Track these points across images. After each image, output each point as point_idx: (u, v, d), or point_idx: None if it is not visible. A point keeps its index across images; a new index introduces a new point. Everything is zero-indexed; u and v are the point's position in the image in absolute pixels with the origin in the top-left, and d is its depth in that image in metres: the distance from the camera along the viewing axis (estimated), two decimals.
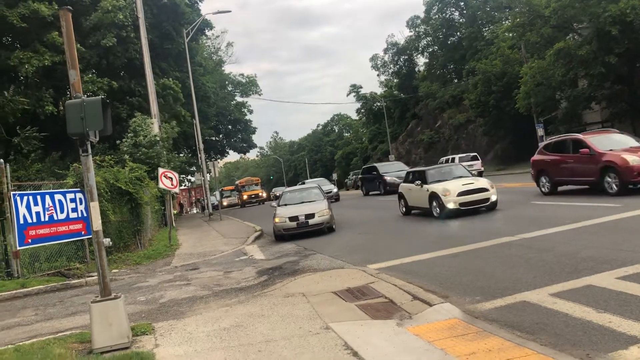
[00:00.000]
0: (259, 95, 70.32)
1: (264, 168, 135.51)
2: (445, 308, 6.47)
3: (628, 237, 9.04)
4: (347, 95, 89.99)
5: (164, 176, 17.90)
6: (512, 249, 9.63)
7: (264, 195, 55.05)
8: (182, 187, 67.48)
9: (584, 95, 38.23)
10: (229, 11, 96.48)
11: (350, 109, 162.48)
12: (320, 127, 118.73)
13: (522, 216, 13.72)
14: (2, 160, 12.35)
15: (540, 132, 41.85)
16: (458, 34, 65.11)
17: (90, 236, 11.61)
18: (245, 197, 53.01)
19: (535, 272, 7.70)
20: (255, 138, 68.22)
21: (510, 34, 45.99)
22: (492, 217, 14.52)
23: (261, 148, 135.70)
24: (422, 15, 68.71)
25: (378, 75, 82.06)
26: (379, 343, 5.57)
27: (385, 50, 77.56)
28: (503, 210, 15.41)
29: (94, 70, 29.70)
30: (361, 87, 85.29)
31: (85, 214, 13.46)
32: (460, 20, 65.41)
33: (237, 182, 59.27)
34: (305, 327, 6.41)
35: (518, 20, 40.45)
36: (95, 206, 6.62)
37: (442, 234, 12.77)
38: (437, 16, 66.56)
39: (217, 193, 55.81)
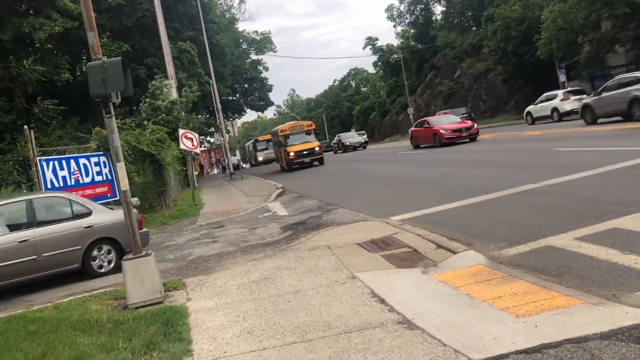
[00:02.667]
0: (274, 52, 69.76)
1: None
2: (469, 255, 6.54)
3: None
4: (363, 48, 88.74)
5: (185, 137, 18.04)
6: (535, 195, 9.60)
7: (321, 151, 32.02)
8: (202, 148, 67.65)
9: (607, 38, 37.09)
10: None
11: (367, 62, 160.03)
12: (337, 82, 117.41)
13: (544, 163, 13.60)
14: (26, 126, 12.54)
15: (562, 78, 40.95)
16: None
17: (117, 198, 11.86)
18: (292, 154, 30.29)
19: (559, 217, 7.69)
20: (272, 96, 67.73)
21: None
22: (513, 166, 14.42)
23: (278, 106, 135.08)
24: None
25: (394, 26, 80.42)
26: (405, 290, 5.69)
27: (401, 0, 75.68)
28: (525, 158, 15.28)
29: (108, 33, 29.66)
30: (377, 40, 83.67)
31: (110, 177, 13.70)
32: None
33: (276, 129, 34.84)
34: (332, 278, 6.55)
35: None
36: (122, 166, 6.75)
37: (464, 184, 12.74)
38: None
39: (237, 152, 53.63)
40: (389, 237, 8.32)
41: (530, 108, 33.54)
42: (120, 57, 6.69)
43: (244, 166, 71.25)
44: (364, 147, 47.43)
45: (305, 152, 30.21)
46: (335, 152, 49.78)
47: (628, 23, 35.02)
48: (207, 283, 7.37)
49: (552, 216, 7.86)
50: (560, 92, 31.55)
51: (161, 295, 6.74)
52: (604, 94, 20.70)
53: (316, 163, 30.82)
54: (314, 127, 32.59)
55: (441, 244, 7.31)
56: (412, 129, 30.89)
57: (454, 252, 6.79)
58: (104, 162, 13.87)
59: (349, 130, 74.23)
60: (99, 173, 13.77)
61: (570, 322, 4.21)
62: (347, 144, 48.38)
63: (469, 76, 61.52)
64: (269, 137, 49.93)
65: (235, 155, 50.04)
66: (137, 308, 6.48)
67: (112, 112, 6.70)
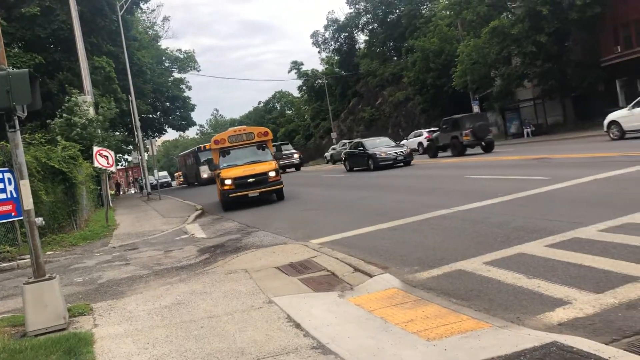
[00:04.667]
0: (198, 71, 68.80)
1: None
2: (385, 278, 6.64)
3: (554, 208, 9.53)
4: (289, 72, 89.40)
5: (100, 154, 17.32)
6: (448, 220, 9.96)
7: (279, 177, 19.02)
8: (119, 167, 65.17)
9: (517, 73, 39.60)
10: None
11: (292, 86, 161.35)
12: (262, 104, 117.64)
13: (457, 190, 14.18)
14: None
15: (476, 109, 43.11)
16: (397, 11, 65.74)
17: (21, 217, 11.14)
18: (228, 182, 18.14)
19: (470, 242, 8.01)
20: (194, 115, 66.55)
21: (448, 12, 46.89)
22: (429, 192, 14.92)
23: (201, 126, 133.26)
24: None
25: (319, 52, 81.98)
26: (320, 314, 5.67)
27: (326, 27, 77.44)
28: (439, 184, 15.85)
29: (20, 44, 28.19)
30: (302, 64, 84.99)
31: (15, 195, 12.84)
32: None
33: (214, 140, 20.08)
34: (248, 302, 6.43)
35: None
36: (25, 184, 6.35)
37: (383, 208, 13.03)
38: None
39: (156, 172, 51.47)
40: (308, 261, 8.31)
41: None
42: (27, 69, 6.34)
43: (173, 184, 68.85)
44: (298, 169, 43.79)
45: (251, 180, 17.86)
46: None
47: (535, 60, 37.63)
48: (116, 308, 7.02)
49: (464, 241, 8.17)
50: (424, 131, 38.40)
51: (65, 321, 6.34)
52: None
53: (273, 197, 18.93)
54: (270, 136, 19.94)
55: (358, 267, 7.38)
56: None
57: (371, 276, 6.87)
58: (8, 178, 13.00)
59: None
60: (3, 190, 12.88)
61: (477, 345, 4.34)
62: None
63: (390, 104, 63.54)
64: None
65: (153, 174, 48.44)
66: (37, 335, 6.04)
67: (17, 126, 6.31)
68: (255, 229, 12.89)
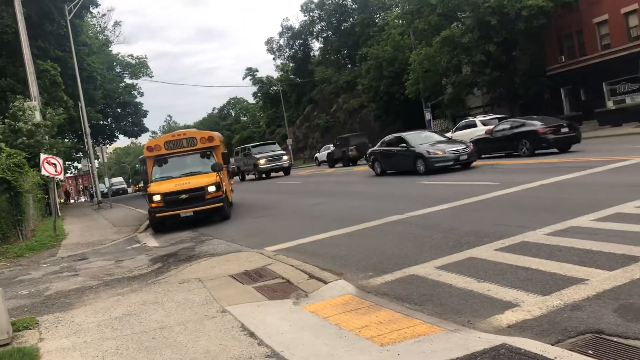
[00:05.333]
0: (150, 77, 67.60)
1: None
2: (339, 285, 6.67)
3: (503, 212, 9.80)
4: (243, 78, 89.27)
5: (47, 162, 16.74)
6: (401, 226, 10.10)
7: (222, 192, 15.22)
8: (68, 175, 63.17)
9: (467, 81, 40.64)
10: None
11: (247, 92, 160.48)
12: (216, 110, 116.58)
13: (410, 196, 14.40)
14: None
15: (428, 116, 43.96)
16: (351, 19, 66.51)
17: None
18: (156, 197, 14.74)
19: (422, 247, 8.15)
20: (147, 122, 65.57)
21: (400, 21, 47.71)
22: (383, 198, 15.10)
23: (154, 132, 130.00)
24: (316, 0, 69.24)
25: (274, 59, 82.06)
26: (275, 322, 5.64)
27: (281, 34, 77.60)
28: (393, 190, 16.06)
29: None
30: (257, 71, 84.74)
31: None
32: (353, 6, 66.80)
33: (147, 146, 17.16)
34: (202, 312, 6.33)
35: (407, 7, 42.01)
36: None
37: (338, 214, 13.09)
38: (330, 1, 67.48)
39: (106, 179, 50.23)
40: (263, 269, 8.26)
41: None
42: None
43: (129, 190, 66.69)
44: (287, 173, 36.04)
45: (184, 197, 14.53)
46: None
47: (484, 69, 38.72)
48: (64, 321, 6.79)
49: (416, 246, 8.30)
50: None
51: (8, 336, 6.07)
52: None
53: (217, 218, 15.41)
54: (217, 142, 16.67)
55: (313, 274, 7.38)
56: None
57: (325, 282, 6.89)
58: None
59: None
60: None
61: (430, 349, 4.41)
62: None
63: (345, 111, 64.07)
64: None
65: (104, 182, 47.18)
66: None
67: None
68: (209, 237, 12.72)
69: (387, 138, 22.94)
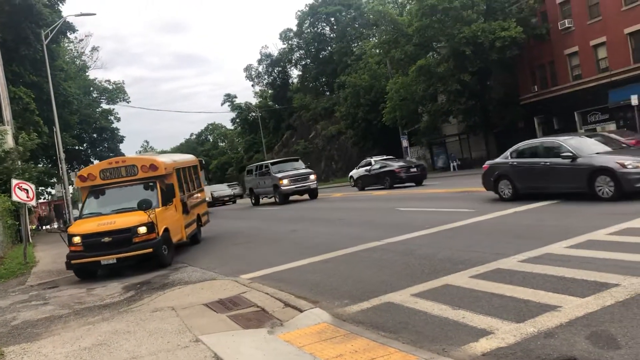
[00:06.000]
0: (127, 102, 67.19)
1: None
2: (315, 313, 6.61)
3: (478, 239, 9.88)
4: (222, 105, 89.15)
5: (19, 188, 16.43)
6: (378, 253, 10.09)
7: (157, 235, 12.08)
8: (41, 200, 61.94)
9: (442, 110, 41.33)
10: (94, 14, 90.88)
11: (225, 118, 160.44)
12: (194, 136, 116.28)
13: (387, 222, 14.44)
14: None
15: (404, 143, 44.46)
16: (329, 48, 67.40)
17: None
18: (76, 239, 11.96)
19: (399, 274, 8.14)
20: (123, 147, 64.59)
21: (377, 50, 48.47)
22: (360, 224, 15.10)
23: None
24: (294, 28, 70.12)
25: (253, 85, 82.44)
26: (249, 352, 5.55)
27: (260, 61, 78.16)
28: (370, 216, 16.10)
29: None
30: (236, 97, 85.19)
31: None
32: (331, 35, 67.80)
33: (79, 175, 14.80)
34: (174, 341, 6.20)
35: (384, 37, 42.78)
36: None
37: (314, 241, 13.04)
38: (309, 30, 68.42)
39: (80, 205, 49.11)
40: (238, 297, 8.15)
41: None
42: None
43: None
44: (314, 196, 30.32)
45: (106, 240, 11.82)
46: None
47: (460, 98, 39.46)
48: (30, 352, 6.58)
49: (393, 273, 8.29)
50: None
51: None
52: None
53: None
54: (162, 169, 13.75)
55: (289, 302, 7.31)
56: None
57: (301, 311, 6.82)
58: None
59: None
60: None
61: None
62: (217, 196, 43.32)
63: (323, 137, 64.46)
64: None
65: (78, 208, 46.35)
66: None
67: None
68: (183, 264, 12.54)
69: (524, 145, 15.53)
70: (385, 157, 36.16)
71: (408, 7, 44.77)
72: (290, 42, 72.19)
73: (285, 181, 28.21)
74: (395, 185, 27.53)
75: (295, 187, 28.69)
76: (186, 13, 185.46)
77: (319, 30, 68.40)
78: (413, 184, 27.34)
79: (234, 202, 44.83)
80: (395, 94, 42.44)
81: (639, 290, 5.71)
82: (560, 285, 6.34)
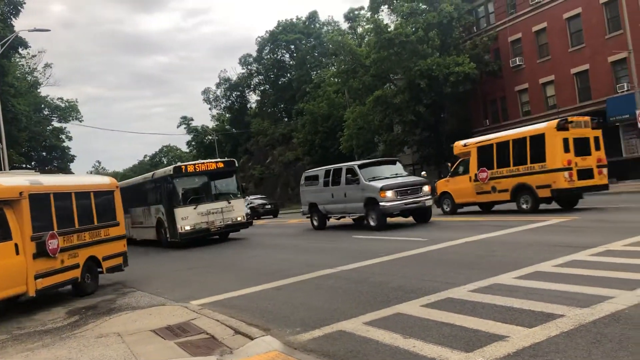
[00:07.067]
0: (80, 121, 65.52)
1: None
2: (266, 341, 6.51)
3: (430, 268, 10.01)
4: (178, 127, 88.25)
5: None
6: (331, 280, 10.08)
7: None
8: None
9: (398, 140, 42.12)
10: (48, 30, 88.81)
11: (181, 140, 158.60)
12: (148, 158, 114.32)
13: (342, 249, 14.48)
14: None
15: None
16: (288, 75, 67.96)
17: None
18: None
19: (351, 302, 8.13)
20: (74, 167, 62.83)
21: (336, 80, 49.18)
22: (315, 251, 15.09)
23: None
24: (254, 54, 70.47)
25: (210, 108, 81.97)
26: None
27: (218, 85, 78.01)
28: (326, 243, 16.12)
29: None
30: (192, 120, 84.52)
31: None
32: (291, 62, 68.45)
33: None
34: None
35: (342, 67, 43.51)
36: None
37: (268, 267, 12.93)
38: (268, 56, 68.88)
39: None
40: (187, 323, 7.95)
41: None
42: None
43: None
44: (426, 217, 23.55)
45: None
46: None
47: (414, 129, 40.33)
48: None
49: (345, 301, 8.28)
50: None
51: None
52: None
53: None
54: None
55: (239, 329, 7.18)
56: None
57: (252, 338, 6.70)
58: None
59: None
60: None
61: None
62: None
63: (280, 163, 64.46)
64: None
65: None
66: None
67: None
68: (132, 289, 12.19)
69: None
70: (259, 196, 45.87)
71: (367, 39, 45.79)
72: (249, 67, 72.48)
73: (389, 193, 17.82)
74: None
75: (404, 204, 18.09)
76: (146, 33, 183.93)
77: (279, 57, 68.99)
78: (272, 217, 38.27)
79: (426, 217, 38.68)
80: (352, 123, 43.05)
81: (583, 321, 5.88)
82: (508, 315, 6.47)
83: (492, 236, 13.33)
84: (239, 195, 22.62)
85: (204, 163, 22.33)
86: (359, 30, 52.19)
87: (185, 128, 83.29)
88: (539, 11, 35.14)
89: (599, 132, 18.12)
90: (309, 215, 22.95)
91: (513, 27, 37.28)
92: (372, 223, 18.52)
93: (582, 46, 32.69)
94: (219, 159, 23.18)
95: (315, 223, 22.47)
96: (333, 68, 53.57)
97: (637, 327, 5.50)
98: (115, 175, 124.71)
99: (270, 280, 10.76)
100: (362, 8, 52.60)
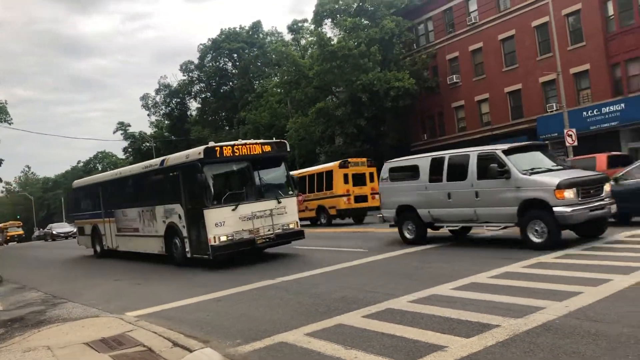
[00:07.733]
0: (9, 124, 62.28)
1: (9, 206, 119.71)
2: (205, 353, 6.37)
3: (371, 279, 10.13)
4: (114, 132, 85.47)
5: None
6: (272, 291, 10.01)
7: None
8: None
9: (339, 151, 42.56)
10: None
11: (118, 147, 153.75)
12: (82, 164, 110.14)
13: (283, 260, 14.41)
14: None
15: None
16: (230, 83, 67.35)
17: None
18: None
19: (292, 313, 8.10)
20: (1, 171, 59.69)
21: (279, 90, 49.25)
22: (255, 262, 14.93)
23: (8, 183, 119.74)
24: (196, 61, 69.46)
25: (149, 115, 79.94)
26: None
27: (157, 91, 76.25)
28: (266, 254, 15.98)
29: None
30: (129, 125, 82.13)
31: None
32: (233, 71, 67.88)
33: None
34: None
35: (286, 78, 43.68)
36: None
37: (206, 278, 12.69)
38: (210, 64, 68.05)
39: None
40: (122, 335, 7.68)
41: None
42: None
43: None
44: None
45: None
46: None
47: (356, 141, 40.89)
48: None
49: (286, 312, 8.24)
50: None
51: None
52: None
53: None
54: None
55: (178, 341, 7.00)
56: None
57: (190, 350, 6.54)
58: None
59: None
60: None
61: None
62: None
63: None
64: None
65: None
66: None
67: None
68: (63, 300, 11.65)
69: None
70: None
71: (310, 51, 46.17)
72: (190, 74, 71.27)
73: (569, 193, 11.47)
74: None
75: (589, 209, 11.69)
76: (84, 35, 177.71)
77: (221, 65, 68.27)
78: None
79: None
80: (294, 133, 43.14)
81: (517, 331, 6.10)
82: (446, 325, 6.62)
83: (429, 248, 13.59)
84: (290, 192, 15.42)
85: (245, 145, 14.98)
86: (302, 42, 52.57)
87: (122, 134, 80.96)
88: (475, 31, 36.55)
89: (373, 169, 25.73)
90: (393, 223, 15.75)
91: (451, 46, 38.58)
92: (534, 238, 11.74)
93: (516, 66, 34.22)
94: (264, 141, 15.95)
95: (409, 235, 15.00)
96: (276, 78, 53.65)
97: (567, 337, 5.76)
98: (46, 180, 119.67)
99: (208, 292, 10.56)
100: (305, 20, 53.05)
